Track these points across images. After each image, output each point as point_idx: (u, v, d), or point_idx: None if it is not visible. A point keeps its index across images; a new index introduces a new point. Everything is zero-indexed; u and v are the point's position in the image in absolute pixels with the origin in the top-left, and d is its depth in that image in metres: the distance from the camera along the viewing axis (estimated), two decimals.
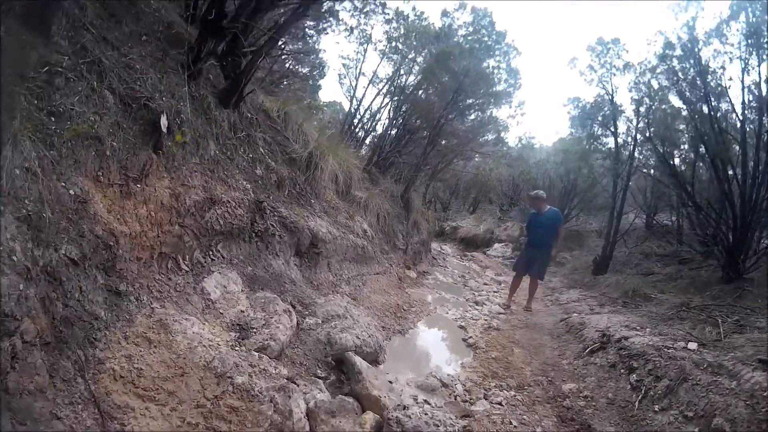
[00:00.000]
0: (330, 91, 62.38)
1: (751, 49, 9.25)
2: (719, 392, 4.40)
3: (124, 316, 3.39)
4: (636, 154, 13.34)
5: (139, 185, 3.75)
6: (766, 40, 8.93)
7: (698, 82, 10.04)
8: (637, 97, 12.76)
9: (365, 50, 14.08)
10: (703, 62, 10.12)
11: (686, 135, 12.12)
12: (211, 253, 4.65)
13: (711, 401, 4.32)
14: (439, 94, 12.92)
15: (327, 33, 13.24)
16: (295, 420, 3.33)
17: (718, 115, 9.78)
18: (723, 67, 9.79)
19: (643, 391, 5.04)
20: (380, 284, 8.30)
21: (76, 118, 3.35)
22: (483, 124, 15.84)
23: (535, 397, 5.27)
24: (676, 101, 11.66)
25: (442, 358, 6.31)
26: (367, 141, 15.20)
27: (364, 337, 5.16)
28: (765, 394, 4.06)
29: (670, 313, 7.28)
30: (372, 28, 13.67)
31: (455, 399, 4.97)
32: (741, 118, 9.34)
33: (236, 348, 3.81)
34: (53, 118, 3.21)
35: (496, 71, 13.57)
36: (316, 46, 14.70)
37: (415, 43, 13.38)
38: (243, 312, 4.37)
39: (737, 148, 9.56)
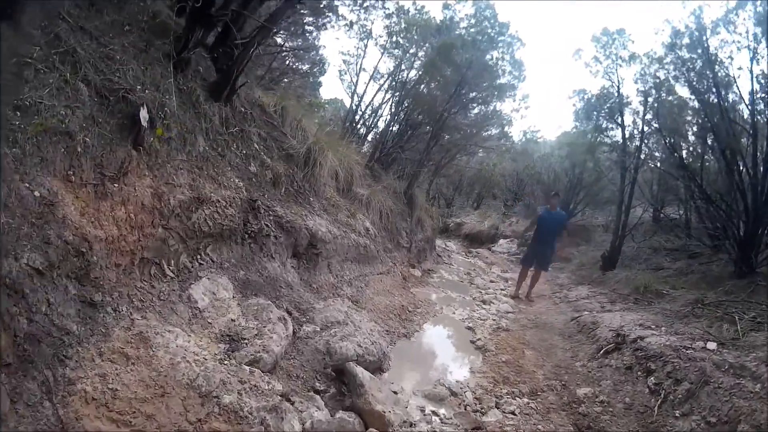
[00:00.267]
0: (331, 88, 62.29)
1: (760, 38, 8.97)
2: (743, 396, 4.16)
3: (100, 329, 3.06)
4: (643, 147, 13.11)
5: (116, 184, 3.43)
6: None
7: (707, 72, 9.83)
8: (643, 89, 12.50)
9: (366, 46, 13.81)
10: (711, 51, 9.87)
11: (694, 126, 11.88)
12: (199, 257, 4.31)
13: (735, 406, 4.08)
14: (442, 87, 12.68)
15: (326, 29, 13.02)
16: None
17: (727, 105, 9.56)
18: (731, 57, 9.59)
19: (662, 396, 4.74)
20: (384, 285, 7.98)
21: (44, 112, 3.05)
22: (486, 118, 15.57)
23: (550, 404, 4.98)
24: (683, 92, 11.49)
25: (450, 363, 6.00)
26: (369, 137, 14.93)
27: (367, 345, 4.80)
28: None
29: (684, 311, 6.97)
30: (372, 23, 13.47)
31: (465, 409, 4.66)
32: (750, 108, 9.08)
33: (225, 362, 3.47)
34: (18, 113, 2.91)
35: (499, 62, 13.28)
36: (316, 43, 14.57)
37: (416, 37, 13.09)
38: (234, 321, 4.02)
39: (744, 140, 9.33)
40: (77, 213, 3.06)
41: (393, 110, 13.57)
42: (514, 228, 20.80)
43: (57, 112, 3.13)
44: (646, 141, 13.11)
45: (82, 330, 2.95)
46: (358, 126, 14.41)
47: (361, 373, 4.14)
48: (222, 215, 4.52)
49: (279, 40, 12.68)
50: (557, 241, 10.17)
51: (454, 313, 8.19)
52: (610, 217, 17.58)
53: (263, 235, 5.18)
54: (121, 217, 3.42)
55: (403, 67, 13.58)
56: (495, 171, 23.30)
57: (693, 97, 10.88)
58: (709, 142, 10.74)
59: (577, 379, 5.67)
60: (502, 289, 11.04)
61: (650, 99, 12.31)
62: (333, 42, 57.48)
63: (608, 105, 14.05)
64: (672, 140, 11.19)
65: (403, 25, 13.19)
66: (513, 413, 4.64)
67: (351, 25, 12.78)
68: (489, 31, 12.99)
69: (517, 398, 4.99)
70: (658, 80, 11.99)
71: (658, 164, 13.82)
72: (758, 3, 9.05)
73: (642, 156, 13.05)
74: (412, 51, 13.39)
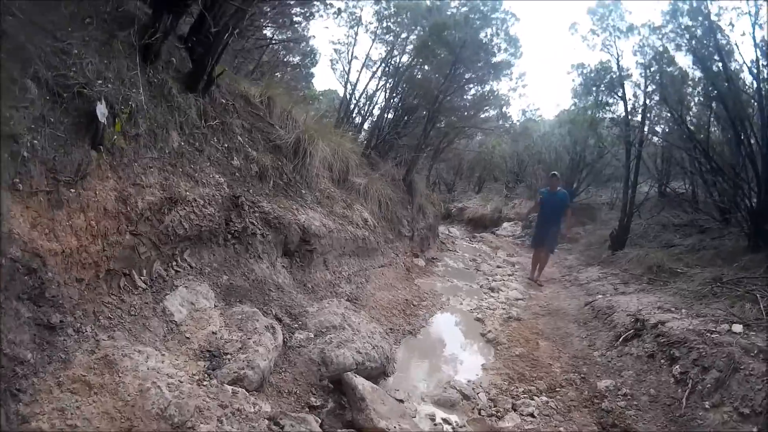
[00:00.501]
0: (324, 79, 62.27)
1: (759, 4, 8.71)
2: None
3: (59, 355, 2.67)
4: (646, 120, 12.74)
5: (73, 190, 3.02)
6: None
7: (709, 40, 9.61)
8: (643, 61, 12.21)
9: (356, 33, 13.78)
10: (711, 17, 9.65)
11: (696, 98, 11.71)
12: (174, 263, 3.90)
13: None
14: (436, 69, 12.45)
15: (314, 18, 12.85)
16: None
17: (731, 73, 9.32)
18: (732, 24, 9.41)
19: (689, 385, 4.36)
20: (386, 278, 7.61)
21: None
22: (484, 99, 15.26)
23: (570, 401, 4.63)
24: (683, 62, 11.34)
25: (461, 361, 5.63)
26: (366, 126, 14.82)
27: (367, 350, 4.39)
28: None
29: (703, 290, 6.58)
30: (361, 9, 13.44)
31: (479, 414, 4.29)
32: (756, 73, 8.75)
33: (204, 383, 3.04)
34: None
35: (494, 39, 12.89)
36: (305, 34, 14.51)
37: (407, 21, 12.90)
38: (215, 334, 3.60)
39: (749, 109, 9.16)
40: (27, 225, 2.66)
41: (387, 96, 13.36)
42: (518, 210, 20.48)
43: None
44: (648, 114, 12.76)
45: (38, 357, 2.56)
46: (354, 115, 14.25)
47: (362, 384, 3.72)
48: (199, 215, 4.11)
49: (268, 33, 12.55)
50: (562, 222, 10.13)
51: (461, 303, 7.84)
52: (615, 194, 17.39)
53: (248, 234, 4.77)
54: (80, 225, 3.02)
55: (395, 52, 13.41)
56: (495, 153, 23.05)
57: (695, 66, 10.72)
58: (715, 111, 10.56)
59: (597, 370, 5.31)
60: (509, 275, 10.73)
61: (651, 70, 11.98)
62: (323, 31, 57.85)
63: (608, 77, 13.73)
64: (678, 111, 10.81)
65: (392, 10, 13.01)
66: (532, 415, 4.28)
67: (339, 12, 12.66)
68: (482, 8, 12.64)
69: (534, 397, 4.63)
70: (657, 51, 11.67)
71: (662, 137, 13.56)
72: None
73: (645, 129, 12.70)
74: (403, 36, 13.20)
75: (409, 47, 13.13)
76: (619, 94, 13.02)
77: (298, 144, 6.45)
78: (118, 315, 3.19)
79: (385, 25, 13.22)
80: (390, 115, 13.36)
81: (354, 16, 13.34)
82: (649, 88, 12.25)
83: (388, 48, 13.46)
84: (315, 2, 12.03)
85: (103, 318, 3.09)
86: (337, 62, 14.97)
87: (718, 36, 9.41)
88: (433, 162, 18.10)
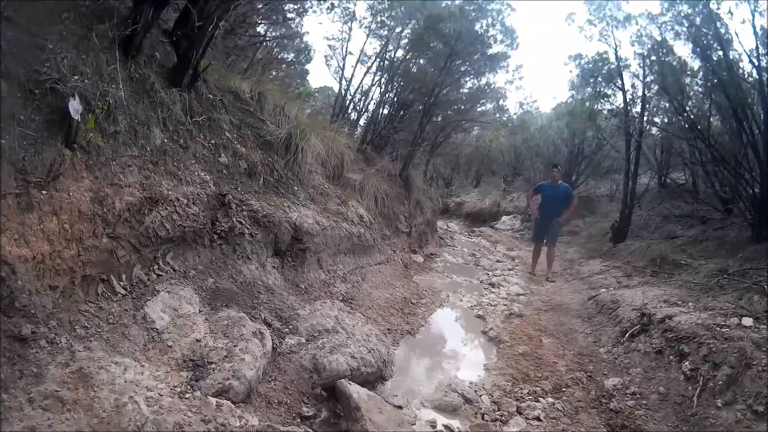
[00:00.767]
0: (318, 75, 62.07)
1: None
2: None
3: (31, 369, 2.48)
4: (645, 111, 12.65)
5: (44, 192, 2.82)
6: None
7: (710, 28, 9.51)
8: (641, 51, 12.09)
9: (350, 29, 13.75)
10: (711, 5, 9.53)
11: (695, 87, 11.56)
12: (156, 267, 3.69)
13: None
14: (431, 61, 12.29)
15: (308, 14, 12.88)
16: None
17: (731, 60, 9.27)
18: (731, 12, 9.34)
19: (700, 383, 4.16)
20: (383, 276, 7.41)
21: None
22: (480, 92, 15.15)
23: (577, 402, 4.44)
24: (682, 51, 11.35)
25: (462, 361, 5.43)
26: (362, 122, 14.67)
27: (362, 354, 4.18)
28: None
29: (709, 282, 6.43)
30: (355, 4, 13.45)
31: (483, 419, 4.08)
32: (757, 63, 8.60)
33: (187, 395, 2.82)
34: None
35: (490, 30, 12.72)
36: (299, 30, 14.41)
37: (401, 14, 12.78)
38: (199, 341, 3.39)
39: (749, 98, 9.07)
40: None
41: (383, 90, 13.25)
42: (516, 204, 20.42)
43: None
44: (647, 105, 12.64)
45: (8, 373, 2.38)
46: (349, 111, 14.11)
47: (356, 392, 3.50)
48: (183, 215, 3.90)
49: (261, 30, 12.51)
50: (562, 215, 9.97)
51: (461, 300, 7.65)
52: (614, 186, 17.33)
53: (236, 233, 4.56)
54: (53, 229, 2.82)
55: (390, 47, 13.29)
56: (492, 147, 22.94)
57: (694, 55, 10.64)
58: (716, 100, 10.33)
59: (603, 368, 5.14)
60: (510, 269, 10.59)
61: (651, 59, 11.84)
62: (317, 27, 58.02)
63: (606, 69, 13.60)
64: (679, 101, 10.66)
65: (386, 4, 12.95)
66: (538, 419, 4.08)
67: (332, 7, 12.65)
68: None
69: (540, 399, 4.43)
70: (657, 41, 11.55)
71: (662, 128, 13.41)
72: None
73: (645, 119, 12.58)
74: (398, 30, 13.09)
75: (404, 41, 13.00)
76: (618, 84, 12.87)
77: (289, 139, 6.24)
78: (96, 324, 2.99)
79: (379, 19, 13.11)
80: (385, 111, 13.23)
81: (348, 11, 13.27)
82: (648, 78, 12.13)
83: (383, 43, 13.36)
84: None
85: (79, 327, 2.89)
86: (331, 58, 14.84)
87: (718, 24, 9.29)
88: (430, 157, 17.98)
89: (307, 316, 4.62)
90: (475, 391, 4.52)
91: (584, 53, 16.27)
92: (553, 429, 3.95)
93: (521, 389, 4.62)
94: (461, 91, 14.73)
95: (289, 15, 12.57)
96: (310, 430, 3.24)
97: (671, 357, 4.75)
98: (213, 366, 3.18)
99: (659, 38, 11.43)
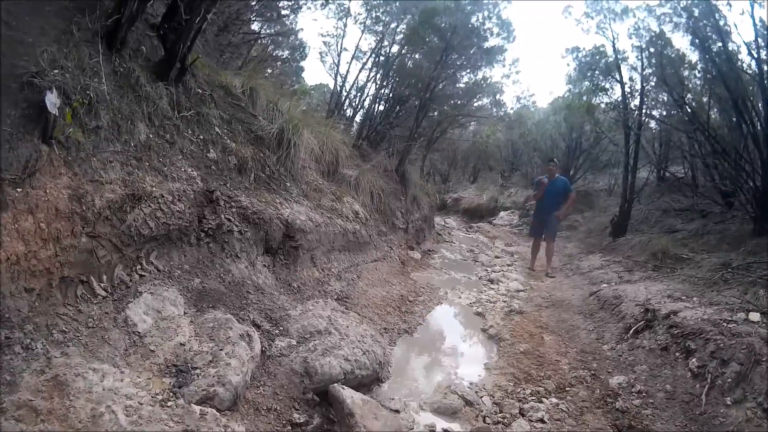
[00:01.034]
0: (314, 72, 62.12)
1: None
2: None
3: (4, 377, 2.31)
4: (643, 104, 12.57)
5: (20, 189, 2.65)
6: None
7: (708, 18, 9.46)
8: (639, 44, 12.02)
9: (345, 25, 13.50)
10: None
11: (695, 79, 11.70)
12: (139, 267, 3.52)
13: None
14: (427, 56, 12.22)
15: (302, 10, 12.82)
16: None
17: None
18: (729, 4, 9.53)
19: (708, 380, 4.04)
20: (379, 273, 7.26)
21: None
22: (477, 86, 14.97)
23: (581, 402, 4.30)
24: (681, 43, 11.58)
25: (461, 361, 5.27)
26: (357, 118, 14.61)
27: (357, 356, 4.02)
28: None
29: (713, 277, 6.30)
30: (349, 0, 13.41)
31: (484, 421, 3.93)
32: (757, 54, 8.53)
33: (169, 403, 2.67)
34: None
35: (486, 23, 12.64)
36: (293, 26, 14.27)
37: (396, 10, 12.68)
38: (183, 345, 3.21)
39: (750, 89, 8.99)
40: None
41: (378, 85, 13.12)
42: (514, 199, 20.37)
43: None
44: (646, 97, 12.53)
45: None
46: (345, 107, 14.04)
47: (350, 397, 3.34)
48: (167, 213, 3.73)
49: (255, 27, 12.41)
50: (560, 209, 9.96)
51: (460, 297, 7.50)
52: (612, 180, 17.35)
53: (224, 231, 4.40)
54: (29, 228, 2.65)
55: (385, 42, 13.17)
56: (489, 142, 22.83)
57: (693, 47, 10.63)
58: (716, 92, 10.27)
59: (608, 365, 5.01)
60: (509, 265, 10.52)
61: (650, 51, 11.76)
62: (311, 24, 58.17)
63: (603, 62, 13.57)
64: (678, 93, 10.56)
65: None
66: (542, 421, 3.92)
67: (327, 3, 12.50)
68: None
69: (543, 399, 4.28)
70: (655, 33, 11.54)
71: (661, 121, 13.34)
72: None
73: (644, 112, 12.53)
74: (393, 25, 12.98)
75: (399, 36, 12.92)
76: (616, 77, 12.84)
77: (282, 135, 6.07)
78: (74, 328, 2.83)
79: (374, 15, 13.02)
80: (381, 106, 13.16)
81: (342, 7, 13.14)
82: (647, 71, 12.05)
83: (378, 38, 13.25)
84: None
85: (57, 332, 2.73)
86: (326, 55, 14.79)
87: (717, 16, 9.22)
88: (426, 152, 17.85)
89: (298, 316, 4.45)
90: (476, 392, 4.37)
91: (582, 46, 16.32)
92: (557, 430, 3.81)
93: (523, 389, 4.48)
94: (457, 85, 14.60)
95: (283, 12, 12.49)
96: None
97: (677, 354, 4.63)
98: (197, 371, 3.00)
99: (657, 30, 11.43)
